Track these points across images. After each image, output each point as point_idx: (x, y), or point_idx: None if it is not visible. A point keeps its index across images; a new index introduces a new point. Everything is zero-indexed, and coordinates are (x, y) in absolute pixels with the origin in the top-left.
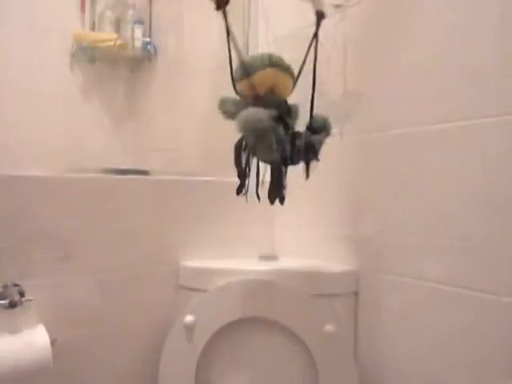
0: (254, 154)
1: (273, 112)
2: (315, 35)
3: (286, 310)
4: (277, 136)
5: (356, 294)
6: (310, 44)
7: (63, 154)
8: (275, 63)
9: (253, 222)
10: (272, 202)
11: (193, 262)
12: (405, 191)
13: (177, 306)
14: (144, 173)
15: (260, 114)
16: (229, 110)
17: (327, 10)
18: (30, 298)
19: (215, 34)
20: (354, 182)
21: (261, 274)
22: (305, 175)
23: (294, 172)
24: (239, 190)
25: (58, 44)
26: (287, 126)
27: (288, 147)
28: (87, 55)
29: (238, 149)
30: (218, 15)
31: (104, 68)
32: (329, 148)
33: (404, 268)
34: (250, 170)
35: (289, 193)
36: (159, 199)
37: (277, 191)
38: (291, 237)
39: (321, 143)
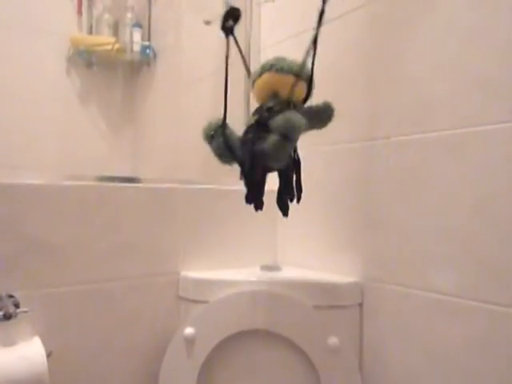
0: (270, 161)
1: (253, 119)
2: (321, 13)
3: (289, 323)
4: (223, 142)
5: (361, 305)
6: (319, 21)
7: (59, 160)
8: (271, 66)
9: (255, 231)
10: (286, 213)
11: (193, 273)
12: (411, 200)
13: (176, 317)
14: (142, 180)
15: (212, 123)
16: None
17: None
18: (25, 309)
19: (216, 36)
20: (358, 191)
21: (263, 284)
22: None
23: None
24: (258, 206)
25: (54, 48)
26: (264, 129)
27: (240, 153)
28: (84, 59)
29: (252, 158)
30: (219, 17)
31: (102, 72)
32: (333, 155)
33: (410, 279)
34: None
35: (291, 204)
36: (158, 207)
37: (287, 200)
38: (294, 246)
39: (276, 147)
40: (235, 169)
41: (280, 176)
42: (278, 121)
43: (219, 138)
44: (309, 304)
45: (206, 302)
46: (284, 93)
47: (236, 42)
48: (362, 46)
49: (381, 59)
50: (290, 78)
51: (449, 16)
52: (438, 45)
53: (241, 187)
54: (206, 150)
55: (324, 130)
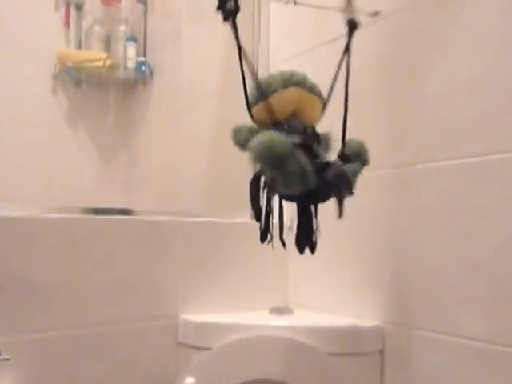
0: (272, 189)
1: (294, 138)
2: (347, 48)
3: (302, 372)
4: (298, 164)
5: (382, 352)
6: (342, 58)
7: (43, 191)
8: (299, 81)
9: (263, 268)
10: (301, 250)
11: (194, 316)
12: (436, 234)
13: (176, 366)
14: (137, 213)
15: (277, 138)
16: (244, 139)
17: (361, 19)
18: (7, 356)
19: (219, 51)
20: (379, 224)
21: (272, 330)
22: (337, 213)
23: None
24: (264, 237)
25: (39, 64)
26: (313, 155)
27: (313, 179)
28: (72, 77)
29: (255, 185)
30: (222, 30)
31: (92, 92)
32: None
33: (436, 323)
34: (271, 210)
35: None
36: (155, 243)
37: (305, 236)
38: (307, 286)
39: (355, 174)
40: (240, 200)
41: (303, 211)
42: (354, 145)
43: (295, 160)
44: (324, 351)
45: (208, 348)
46: (308, 114)
47: (235, 32)
48: (383, 62)
49: (403, 77)
50: (318, 101)
51: (479, 27)
52: (467, 61)
53: (247, 220)
54: (208, 179)
55: None
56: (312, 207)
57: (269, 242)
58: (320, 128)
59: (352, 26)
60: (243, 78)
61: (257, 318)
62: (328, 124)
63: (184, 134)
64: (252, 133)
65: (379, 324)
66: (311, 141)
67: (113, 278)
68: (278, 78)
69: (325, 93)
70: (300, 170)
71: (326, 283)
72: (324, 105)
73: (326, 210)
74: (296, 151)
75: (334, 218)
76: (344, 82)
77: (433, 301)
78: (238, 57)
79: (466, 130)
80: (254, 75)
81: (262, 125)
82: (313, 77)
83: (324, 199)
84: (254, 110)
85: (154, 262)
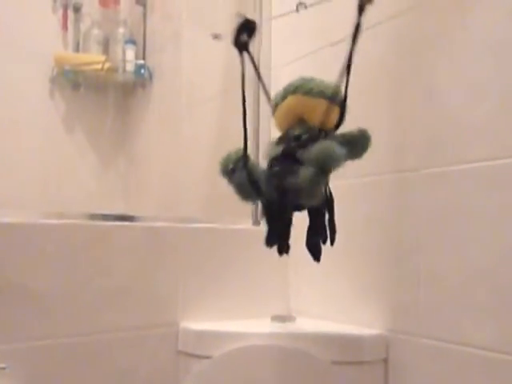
0: (303, 197)
1: (277, 149)
2: (357, 26)
3: (304, 382)
4: (237, 179)
5: (385, 361)
6: (354, 36)
7: (40, 196)
8: (296, 88)
9: (264, 275)
10: (318, 257)
11: (194, 324)
12: (443, 241)
13: (175, 375)
14: (136, 219)
15: (231, 154)
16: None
17: None
18: (3, 365)
19: (220, 54)
20: (383, 230)
21: (274, 337)
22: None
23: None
24: (283, 249)
25: (36, 68)
26: (293, 162)
27: (266, 189)
28: (70, 80)
29: (282, 194)
30: (223, 32)
31: (90, 96)
32: (355, 190)
33: (442, 330)
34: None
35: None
36: (154, 250)
37: (319, 242)
38: (309, 294)
39: (312, 182)
40: (242, 206)
41: (310, 214)
42: (314, 151)
43: (241, 172)
44: (327, 359)
45: (208, 357)
46: (313, 119)
47: (252, 60)
48: (387, 65)
49: (408, 80)
50: (321, 102)
51: (485, 28)
52: (474, 63)
53: (248, 226)
54: (208, 184)
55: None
56: (317, 214)
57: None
58: None
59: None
60: (244, 108)
61: (258, 326)
62: None
63: (184, 138)
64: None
65: (382, 332)
66: (295, 147)
67: (111, 285)
68: (281, 91)
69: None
70: (244, 182)
71: (329, 290)
72: (340, 105)
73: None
74: (250, 164)
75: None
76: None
77: (437, 308)
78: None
79: (472, 133)
80: (266, 90)
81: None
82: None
83: (281, 208)
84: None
85: (153, 268)
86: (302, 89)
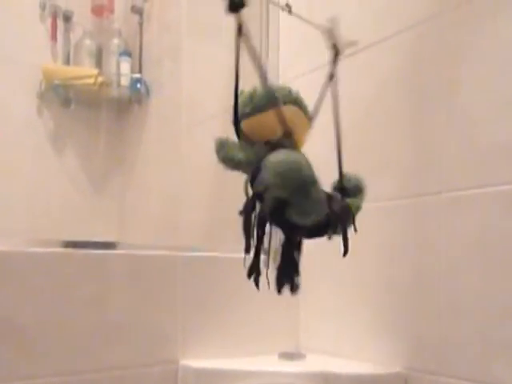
0: (278, 218)
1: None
2: (331, 76)
3: None
4: (321, 192)
5: None
6: (325, 87)
7: (27, 222)
8: (297, 100)
9: (271, 309)
10: (279, 290)
11: (195, 362)
12: (466, 269)
13: None
14: (132, 246)
15: (303, 160)
16: (233, 156)
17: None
18: None
19: (222, 67)
20: (399, 260)
21: (282, 377)
22: (342, 250)
23: (320, 247)
24: (252, 271)
25: (22, 82)
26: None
27: (324, 210)
28: (60, 96)
29: (249, 211)
30: (226, 43)
31: (81, 113)
32: (370, 215)
33: (466, 369)
34: (270, 241)
35: (316, 273)
36: (151, 280)
37: (287, 274)
38: (320, 328)
39: (358, 208)
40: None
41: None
42: (354, 180)
43: (320, 188)
44: None
45: None
46: (297, 136)
47: (239, 25)
48: (405, 80)
49: (428, 96)
50: (307, 123)
51: (511, 39)
52: (500, 76)
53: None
54: (210, 209)
55: None
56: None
57: (256, 279)
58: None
59: (336, 52)
60: (236, 75)
61: (265, 364)
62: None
63: (183, 159)
64: (243, 149)
65: (400, 371)
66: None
67: (104, 319)
68: (272, 93)
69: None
70: (321, 198)
71: (341, 325)
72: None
73: (339, 246)
74: (315, 175)
75: (346, 257)
76: (333, 112)
77: (460, 345)
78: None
79: (497, 154)
80: (264, 80)
81: (249, 142)
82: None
83: (327, 233)
84: (245, 122)
85: (150, 301)
86: (302, 104)
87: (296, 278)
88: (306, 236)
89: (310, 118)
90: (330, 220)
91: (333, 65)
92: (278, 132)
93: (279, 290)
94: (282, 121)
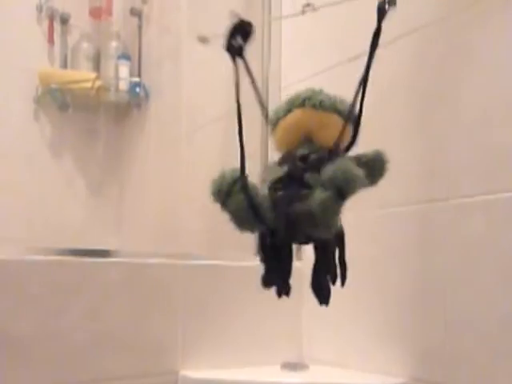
0: (316, 226)
1: (280, 171)
2: (377, 33)
3: None
4: (245, 201)
5: None
6: (373, 44)
7: (23, 230)
8: (304, 99)
9: (273, 318)
10: (327, 301)
11: (195, 372)
12: (474, 278)
13: None
14: (130, 255)
15: (226, 173)
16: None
17: None
18: None
19: (224, 71)
20: (405, 268)
21: None
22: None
23: None
24: (284, 290)
25: (19, 86)
26: (300, 186)
27: (270, 216)
28: (57, 100)
29: (291, 222)
30: (222, 35)
31: (79, 117)
32: (377, 222)
33: (474, 380)
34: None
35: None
36: (150, 289)
37: (327, 282)
38: (324, 338)
39: (327, 207)
40: (247, 240)
41: (316, 249)
42: (329, 171)
43: (238, 196)
44: None
45: None
46: (322, 137)
47: (246, 67)
48: (410, 83)
49: (434, 100)
50: (333, 118)
51: None
52: (509, 80)
53: (254, 263)
54: (210, 216)
55: (366, 191)
56: (325, 249)
57: (285, 294)
58: None
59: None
60: (240, 122)
61: (266, 375)
62: None
63: (183, 165)
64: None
65: (406, 381)
66: (302, 170)
67: (102, 329)
68: (284, 104)
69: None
70: (244, 207)
71: (345, 334)
72: (353, 121)
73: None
74: (250, 186)
75: (353, 261)
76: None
77: (467, 355)
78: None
79: (507, 160)
80: (265, 111)
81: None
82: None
83: (292, 239)
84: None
85: (148, 310)
86: (311, 101)
87: (286, 281)
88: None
89: (328, 108)
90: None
91: (379, 21)
92: (295, 140)
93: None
94: (290, 129)
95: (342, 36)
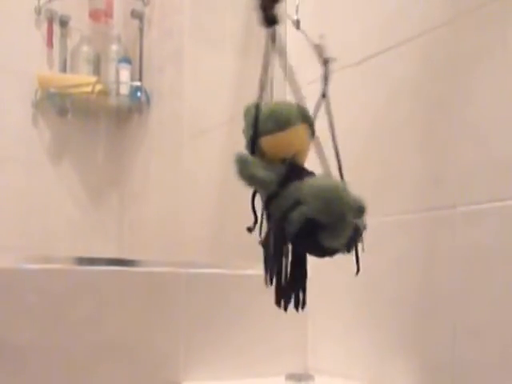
0: (305, 241)
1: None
2: (323, 95)
3: None
4: (350, 218)
5: None
6: (318, 106)
7: (21, 237)
8: (309, 118)
9: (278, 328)
10: (285, 307)
11: None
12: (483, 287)
13: None
14: (131, 263)
15: (343, 187)
16: (254, 174)
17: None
18: None
19: (227, 75)
20: (411, 277)
21: None
22: (355, 269)
23: (329, 265)
24: (298, 305)
25: (17, 90)
26: None
27: (351, 231)
28: (56, 105)
29: (278, 237)
30: (230, 50)
31: (78, 122)
32: (382, 230)
33: None
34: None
35: (324, 291)
36: (152, 299)
37: (292, 291)
38: (329, 348)
39: (365, 228)
40: (251, 248)
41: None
42: (359, 202)
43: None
44: None
45: None
46: (303, 159)
47: (273, 38)
48: (417, 88)
49: (441, 107)
50: (309, 144)
51: None
52: None
53: (259, 271)
54: (214, 224)
55: (371, 198)
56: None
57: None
58: None
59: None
60: (262, 82)
61: None
62: None
63: (185, 171)
64: (269, 169)
65: None
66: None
67: (102, 339)
68: (294, 110)
69: None
70: (353, 222)
71: (351, 345)
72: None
73: (348, 263)
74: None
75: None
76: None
77: (476, 367)
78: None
79: None
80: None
81: (268, 160)
82: (340, 101)
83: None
84: (264, 139)
85: (151, 320)
86: (309, 122)
87: (302, 294)
88: (321, 255)
89: (314, 135)
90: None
91: (325, 82)
92: (292, 151)
93: (285, 307)
94: (301, 140)
95: (349, 39)
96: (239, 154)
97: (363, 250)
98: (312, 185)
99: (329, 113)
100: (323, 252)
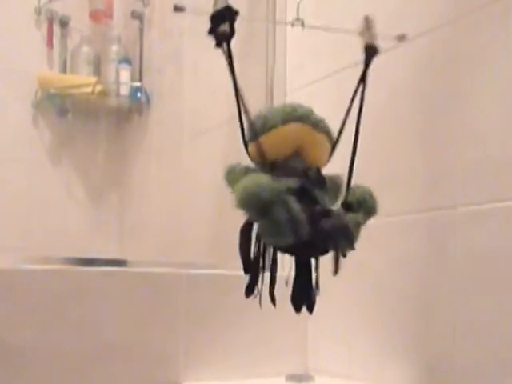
0: (261, 239)
1: (291, 181)
2: (363, 77)
3: None
4: (288, 212)
5: None
6: (356, 90)
7: (21, 238)
8: (302, 116)
9: (278, 329)
10: (297, 309)
11: None
12: (484, 287)
13: None
14: (131, 264)
15: (264, 182)
16: (237, 181)
17: (382, 43)
18: None
19: (227, 75)
20: (411, 278)
21: None
22: (333, 269)
23: (329, 266)
24: (249, 290)
25: (17, 91)
26: (312, 201)
27: (305, 229)
28: (56, 105)
29: (246, 233)
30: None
31: (79, 123)
32: (382, 231)
33: None
34: (264, 261)
35: (325, 292)
36: (152, 299)
37: (302, 293)
38: (329, 349)
39: (358, 225)
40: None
41: (300, 263)
42: (359, 194)
43: (284, 208)
44: None
45: None
46: (311, 154)
47: (229, 56)
48: (416, 90)
49: (441, 108)
50: (324, 139)
51: None
52: None
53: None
54: (214, 225)
55: None
56: (312, 261)
57: (255, 297)
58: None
59: (370, 52)
60: (239, 110)
61: None
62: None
63: (186, 172)
64: (247, 173)
65: None
66: (311, 185)
67: (102, 339)
68: (277, 113)
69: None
70: (289, 219)
71: (352, 345)
72: (333, 144)
73: (348, 263)
74: (287, 197)
75: (359, 271)
76: (356, 117)
77: (477, 367)
78: (233, 88)
79: None
80: (246, 110)
81: (258, 164)
82: (336, 104)
83: (321, 252)
84: (250, 147)
85: (150, 321)
86: (310, 119)
87: (313, 296)
88: (295, 255)
89: (323, 130)
90: (317, 239)
91: (365, 67)
92: (284, 153)
93: (296, 309)
94: (259, 149)
95: (345, 42)
96: (229, 165)
97: (352, 248)
98: (238, 188)
99: (362, 99)
100: (286, 249)
